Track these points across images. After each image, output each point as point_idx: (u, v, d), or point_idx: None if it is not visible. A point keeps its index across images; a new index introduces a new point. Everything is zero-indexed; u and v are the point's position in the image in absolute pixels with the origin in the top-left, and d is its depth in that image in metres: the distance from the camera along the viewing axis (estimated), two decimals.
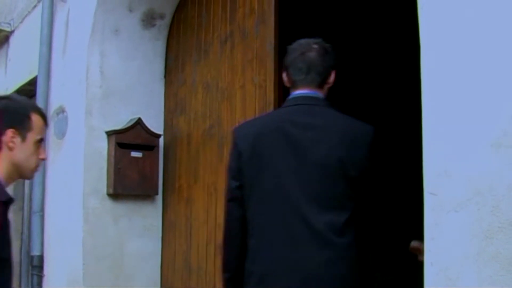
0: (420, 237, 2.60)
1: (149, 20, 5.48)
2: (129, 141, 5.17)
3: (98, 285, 5.10)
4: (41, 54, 5.90)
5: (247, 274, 2.89)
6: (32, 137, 2.56)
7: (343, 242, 2.73)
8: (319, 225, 2.72)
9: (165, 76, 5.57)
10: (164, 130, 5.48)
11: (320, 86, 2.97)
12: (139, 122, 5.22)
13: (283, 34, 4.30)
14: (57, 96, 5.76)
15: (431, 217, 2.42)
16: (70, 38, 5.69)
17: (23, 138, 2.54)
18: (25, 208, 6.99)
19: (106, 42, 5.35)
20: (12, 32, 7.32)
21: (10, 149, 2.51)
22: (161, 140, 5.39)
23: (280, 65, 4.20)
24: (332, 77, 3.02)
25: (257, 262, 2.85)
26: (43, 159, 2.67)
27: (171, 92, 5.48)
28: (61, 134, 5.60)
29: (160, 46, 5.57)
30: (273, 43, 4.22)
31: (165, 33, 5.58)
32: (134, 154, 5.19)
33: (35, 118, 2.60)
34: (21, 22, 7.05)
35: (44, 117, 2.65)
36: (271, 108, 4.14)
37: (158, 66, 5.56)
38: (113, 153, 5.14)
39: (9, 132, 2.50)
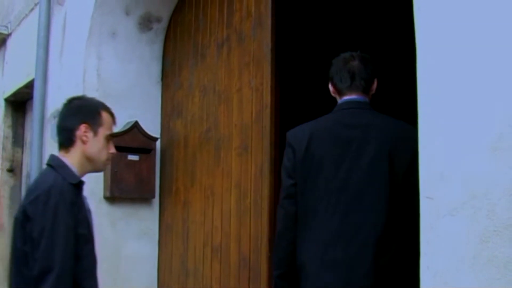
0: None
1: (146, 23, 5.48)
2: (126, 144, 5.17)
3: None
4: (38, 57, 5.90)
5: (298, 268, 3.07)
6: (103, 132, 2.85)
7: (384, 241, 2.91)
8: (363, 224, 2.93)
9: (162, 79, 5.57)
10: (161, 133, 5.48)
11: (364, 91, 3.18)
12: (136, 125, 5.22)
13: (280, 37, 4.31)
14: (54, 99, 5.76)
15: (427, 221, 2.42)
16: (67, 41, 5.69)
17: (95, 133, 2.81)
18: None
19: (103, 45, 5.35)
20: (9, 34, 7.32)
21: (84, 142, 2.78)
22: (158, 143, 5.39)
23: (277, 68, 4.23)
24: (375, 84, 3.23)
25: (306, 256, 3.03)
26: (113, 153, 2.95)
27: (168, 95, 5.49)
28: None
29: (157, 50, 5.58)
30: (270, 46, 4.22)
31: (162, 36, 5.58)
32: (131, 157, 5.19)
33: (105, 115, 2.90)
34: (18, 24, 7.05)
35: (112, 115, 2.97)
36: (268, 111, 4.15)
37: (155, 69, 5.57)
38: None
39: (83, 127, 2.78)
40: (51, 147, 5.64)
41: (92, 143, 2.82)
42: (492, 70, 2.23)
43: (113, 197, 5.16)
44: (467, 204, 2.26)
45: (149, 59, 5.54)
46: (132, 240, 5.30)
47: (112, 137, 2.91)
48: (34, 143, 5.84)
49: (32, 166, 5.85)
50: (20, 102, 7.21)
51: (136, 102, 5.43)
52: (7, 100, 7.23)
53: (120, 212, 5.27)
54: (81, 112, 2.84)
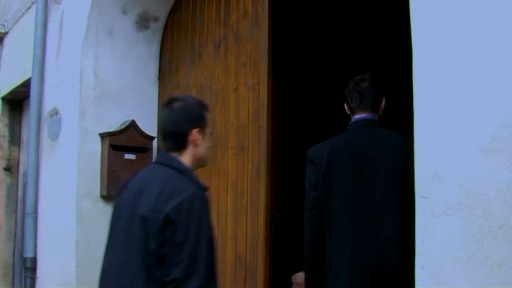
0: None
1: (143, 22, 5.48)
2: (123, 143, 5.17)
3: (92, 287, 5.09)
4: (35, 56, 5.89)
5: (326, 270, 3.47)
6: (207, 131, 2.97)
7: (402, 246, 3.24)
8: (383, 232, 3.31)
9: (159, 79, 5.57)
10: (158, 133, 5.47)
11: (373, 110, 3.56)
12: (132, 125, 5.22)
13: (276, 37, 4.32)
14: (51, 98, 5.75)
15: (422, 220, 2.44)
16: (64, 40, 5.68)
17: (204, 135, 2.93)
18: (19, 210, 6.99)
19: (100, 44, 5.35)
20: (6, 33, 7.31)
21: (196, 145, 2.90)
22: (155, 142, 5.39)
23: (274, 68, 4.24)
24: (383, 103, 3.60)
25: (333, 260, 3.42)
26: (211, 146, 3.10)
27: (165, 95, 5.48)
28: (55, 136, 5.59)
29: (154, 49, 5.58)
30: (267, 46, 4.23)
31: (159, 35, 5.58)
32: (128, 156, 5.19)
33: (207, 114, 3.01)
34: (15, 23, 7.04)
35: (209, 110, 3.07)
36: (265, 111, 4.16)
37: (152, 68, 5.57)
38: (106, 155, 5.14)
39: (195, 133, 2.88)
40: (48, 145, 5.65)
41: (202, 144, 2.94)
42: (487, 71, 2.24)
43: (109, 196, 5.15)
44: (462, 204, 2.27)
45: (146, 59, 5.54)
46: None
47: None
48: (31, 141, 5.83)
49: (29, 165, 5.85)
50: (16, 101, 7.20)
51: (133, 101, 5.42)
52: (3, 99, 7.22)
53: None
54: (191, 117, 2.91)
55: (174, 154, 2.89)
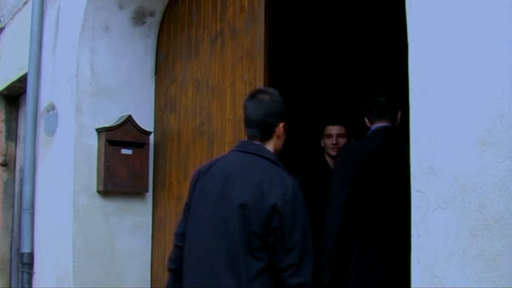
0: None
1: (139, 17, 5.47)
2: (119, 138, 5.17)
3: (88, 282, 5.10)
4: (31, 51, 5.88)
5: (357, 264, 3.82)
6: (286, 127, 3.12)
7: None
8: (397, 234, 3.58)
9: (155, 74, 5.57)
10: (154, 128, 5.48)
11: (391, 120, 4.01)
12: (129, 120, 5.22)
13: (273, 31, 4.31)
14: (47, 93, 5.75)
15: (418, 214, 2.44)
16: (60, 35, 5.68)
17: (285, 130, 3.11)
18: (15, 205, 6.99)
19: (96, 39, 5.34)
20: (2, 29, 7.29)
21: (278, 137, 3.09)
22: (151, 137, 5.39)
23: (270, 62, 4.24)
24: (399, 115, 4.02)
25: (370, 252, 3.78)
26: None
27: (161, 90, 5.48)
28: (51, 132, 5.59)
29: (150, 44, 5.57)
30: (263, 41, 4.23)
31: (155, 30, 5.58)
32: (124, 151, 5.18)
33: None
34: (11, 18, 7.03)
35: None
36: None
37: (149, 63, 5.56)
38: (103, 150, 5.14)
39: (281, 126, 3.07)
40: (45, 141, 5.64)
41: (282, 138, 3.12)
42: (481, 65, 2.24)
43: (106, 191, 5.16)
44: (458, 198, 2.27)
45: (143, 53, 5.54)
46: (125, 234, 5.30)
47: None
48: (28, 137, 5.83)
49: (26, 160, 5.84)
50: (13, 96, 7.19)
51: (129, 96, 5.42)
52: (0, 94, 7.21)
53: (113, 206, 5.27)
54: (280, 111, 3.07)
55: (260, 143, 3.06)
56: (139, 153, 5.26)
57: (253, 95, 3.13)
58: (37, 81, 5.86)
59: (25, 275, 5.70)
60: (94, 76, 5.30)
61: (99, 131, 5.19)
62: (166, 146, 5.32)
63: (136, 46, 5.50)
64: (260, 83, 4.20)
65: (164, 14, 5.53)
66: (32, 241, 5.70)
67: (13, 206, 7.06)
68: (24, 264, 5.70)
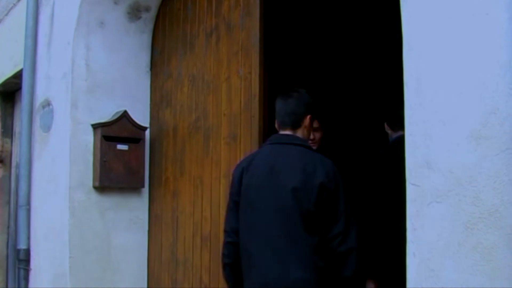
0: None
1: (134, 12, 5.46)
2: (115, 134, 5.17)
3: (85, 278, 5.11)
4: (26, 47, 5.88)
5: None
6: (311, 123, 3.58)
7: None
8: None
9: (151, 69, 5.56)
10: (150, 123, 5.47)
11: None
12: (125, 115, 5.21)
13: (268, 26, 4.31)
14: (43, 89, 5.74)
15: (413, 208, 2.44)
16: (56, 31, 5.67)
17: (311, 123, 3.54)
18: (12, 202, 6.98)
19: (91, 35, 5.33)
20: None
21: (304, 128, 3.48)
22: (147, 133, 5.39)
23: (266, 57, 4.23)
24: None
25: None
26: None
27: (157, 85, 5.48)
28: (47, 128, 5.58)
29: (145, 39, 5.57)
30: (259, 36, 4.22)
31: (150, 26, 5.57)
32: (120, 147, 5.18)
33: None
34: (6, 14, 7.01)
35: None
36: (257, 100, 4.16)
37: (144, 59, 5.56)
38: (99, 146, 5.13)
39: (308, 118, 3.48)
40: (40, 137, 5.64)
41: (308, 130, 3.53)
42: (476, 59, 2.24)
43: (102, 186, 5.16)
44: (453, 192, 2.27)
45: (138, 49, 5.53)
46: (121, 230, 5.31)
47: None
48: (23, 133, 5.82)
49: (22, 157, 5.84)
50: (8, 93, 7.18)
51: (125, 91, 5.41)
52: None
53: (110, 202, 5.27)
54: (307, 105, 3.50)
55: (291, 132, 3.45)
56: (135, 149, 5.26)
57: (285, 93, 3.56)
58: (32, 77, 5.86)
59: (22, 271, 5.71)
60: (89, 71, 5.29)
61: (95, 126, 5.19)
62: (162, 142, 5.32)
63: (131, 42, 5.49)
64: (255, 78, 4.20)
65: (159, 9, 5.52)
66: (28, 238, 5.71)
67: (9, 203, 7.06)
68: (21, 260, 5.70)
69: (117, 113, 5.25)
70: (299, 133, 3.45)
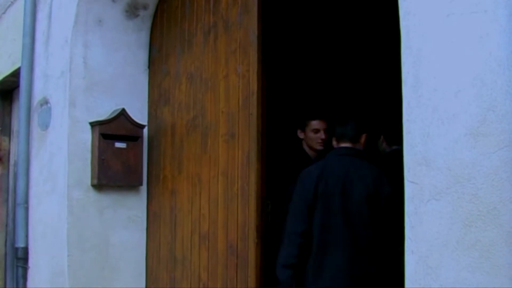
0: None
1: (132, 10, 5.46)
2: (113, 132, 5.16)
3: (83, 276, 5.10)
4: (24, 45, 5.87)
5: None
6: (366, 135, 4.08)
7: None
8: None
9: (149, 67, 5.55)
10: (148, 121, 5.46)
11: None
12: (123, 113, 5.20)
13: (266, 24, 4.31)
14: (41, 87, 5.73)
15: (411, 206, 2.44)
16: (53, 29, 5.66)
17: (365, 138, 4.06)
18: (10, 200, 6.98)
19: (89, 33, 5.32)
20: None
21: (362, 144, 4.01)
22: (145, 131, 5.38)
23: (264, 55, 4.23)
24: None
25: None
26: None
27: (155, 83, 5.47)
28: (45, 126, 5.57)
29: (143, 37, 5.55)
30: (257, 33, 4.22)
31: (148, 23, 5.56)
32: (118, 145, 5.17)
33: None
34: (3, 13, 7.00)
35: None
36: (255, 98, 4.16)
37: (142, 57, 5.54)
38: (97, 144, 5.12)
39: (364, 136, 4.04)
40: (38, 135, 5.63)
41: (363, 145, 4.02)
42: (474, 56, 2.24)
43: (100, 185, 5.15)
44: (451, 189, 2.27)
45: (136, 47, 5.52)
46: (119, 228, 5.30)
47: None
48: (21, 131, 5.81)
49: (19, 155, 5.83)
50: (6, 91, 7.17)
51: (123, 89, 5.40)
52: None
53: (108, 200, 5.26)
54: (365, 126, 4.05)
55: (352, 146, 3.96)
56: (133, 147, 5.25)
57: (347, 116, 4.14)
58: (30, 75, 5.84)
59: (20, 270, 5.70)
60: (87, 69, 5.28)
61: (93, 124, 5.18)
62: (160, 140, 5.31)
63: (129, 40, 5.48)
64: (253, 76, 4.20)
65: (157, 7, 5.51)
66: (26, 236, 5.70)
67: (7, 201, 7.05)
68: (19, 259, 5.70)
69: (115, 111, 5.24)
70: (358, 147, 4.00)
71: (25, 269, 5.69)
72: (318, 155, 4.71)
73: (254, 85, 4.19)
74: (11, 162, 7.08)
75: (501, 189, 2.12)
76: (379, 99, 6.16)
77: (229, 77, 4.46)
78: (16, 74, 6.30)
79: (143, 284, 5.38)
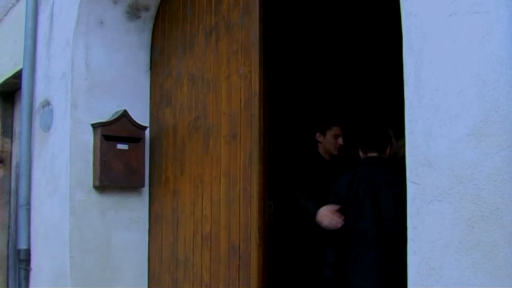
0: None
1: (134, 12, 5.46)
2: (115, 133, 5.16)
3: (85, 277, 5.10)
4: (26, 47, 5.87)
5: None
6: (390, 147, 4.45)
7: None
8: None
9: (150, 68, 5.55)
10: (150, 122, 5.46)
11: None
12: (124, 115, 5.20)
13: (267, 25, 4.31)
14: (42, 89, 5.73)
15: (414, 206, 2.44)
16: (55, 30, 5.66)
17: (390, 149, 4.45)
18: (12, 202, 6.98)
19: (91, 34, 5.32)
20: None
21: (386, 154, 4.37)
22: (147, 132, 5.38)
23: (265, 56, 4.23)
24: None
25: None
26: None
27: (156, 84, 5.47)
28: (47, 127, 5.57)
29: (145, 38, 5.55)
30: (258, 34, 4.22)
31: (150, 25, 5.56)
32: (120, 146, 5.17)
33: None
34: (5, 14, 7.00)
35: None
36: (257, 99, 4.16)
37: (144, 58, 5.54)
38: (99, 145, 5.13)
39: (389, 148, 4.40)
40: (40, 137, 5.63)
41: (386, 155, 4.37)
42: (477, 56, 2.24)
43: (102, 186, 5.15)
44: (453, 190, 2.27)
45: (137, 48, 5.52)
46: (121, 229, 5.30)
47: None
48: (23, 133, 5.82)
49: (21, 156, 5.83)
50: (8, 93, 7.17)
51: (124, 91, 5.40)
52: None
53: (110, 201, 5.26)
54: (388, 139, 4.43)
55: (379, 156, 4.32)
56: (135, 148, 5.25)
57: (375, 127, 4.46)
58: (32, 77, 5.85)
59: (22, 271, 5.70)
60: (89, 71, 5.28)
61: (95, 126, 5.18)
62: (162, 141, 5.31)
63: (131, 41, 5.48)
64: (255, 77, 4.20)
65: (158, 9, 5.51)
66: (28, 237, 5.70)
67: (9, 203, 7.05)
68: (21, 260, 5.70)
69: (117, 112, 5.24)
70: (383, 157, 4.34)
71: (27, 271, 5.69)
72: (331, 159, 4.82)
73: (256, 86, 4.18)
74: (13, 163, 7.08)
75: (504, 189, 2.11)
76: (380, 99, 6.16)
77: (231, 78, 4.46)
78: (17, 75, 6.30)
79: (145, 285, 5.38)
